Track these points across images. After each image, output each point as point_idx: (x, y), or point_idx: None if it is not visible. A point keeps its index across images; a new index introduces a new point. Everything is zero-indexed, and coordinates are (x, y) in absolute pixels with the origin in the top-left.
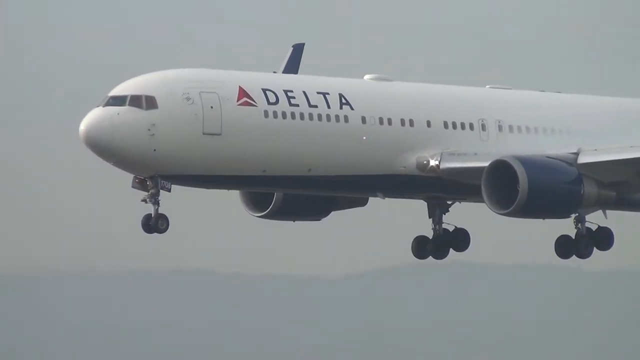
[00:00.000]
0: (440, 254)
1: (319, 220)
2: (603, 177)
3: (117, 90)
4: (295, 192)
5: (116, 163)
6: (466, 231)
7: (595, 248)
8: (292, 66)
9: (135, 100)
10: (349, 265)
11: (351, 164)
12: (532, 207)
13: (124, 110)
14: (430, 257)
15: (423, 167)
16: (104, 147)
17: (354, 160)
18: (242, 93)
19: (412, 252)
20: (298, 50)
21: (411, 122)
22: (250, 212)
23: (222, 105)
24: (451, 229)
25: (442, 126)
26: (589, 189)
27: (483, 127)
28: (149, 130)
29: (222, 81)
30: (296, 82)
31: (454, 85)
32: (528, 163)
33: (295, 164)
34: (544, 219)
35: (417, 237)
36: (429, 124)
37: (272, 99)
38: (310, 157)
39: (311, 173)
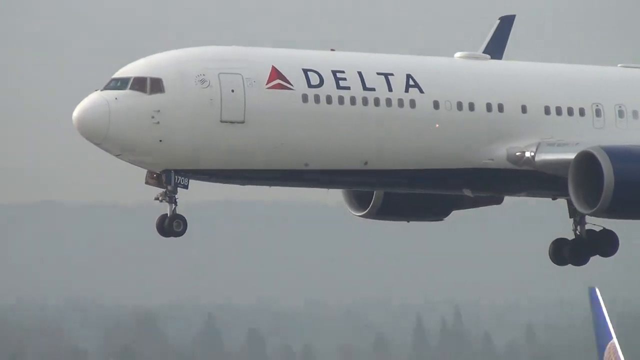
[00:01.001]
0: (580, 259)
1: (439, 220)
2: None
3: (122, 72)
4: (350, 188)
5: (119, 155)
6: (614, 234)
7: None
8: (499, 41)
9: (139, 83)
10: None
11: (419, 157)
12: (620, 206)
13: (124, 94)
14: (570, 264)
15: (516, 159)
16: (99, 137)
17: (422, 152)
18: (275, 74)
19: (550, 257)
20: (507, 22)
21: (500, 107)
22: (352, 211)
23: (246, 89)
24: (598, 229)
25: (543, 112)
26: None
27: (597, 113)
28: (152, 117)
29: (250, 61)
30: (352, 61)
31: (564, 64)
32: (618, 154)
33: (346, 157)
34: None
35: (555, 239)
36: (524, 109)
37: (315, 80)
38: (364, 149)
39: (367, 167)
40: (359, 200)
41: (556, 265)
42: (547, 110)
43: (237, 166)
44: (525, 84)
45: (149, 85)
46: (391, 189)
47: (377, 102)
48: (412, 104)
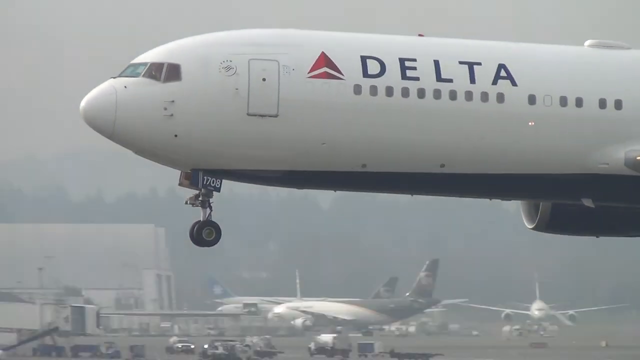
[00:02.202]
0: None
1: (633, 236)
2: None
3: (142, 57)
4: (420, 193)
5: (136, 152)
6: None
7: None
8: None
9: (155, 69)
10: None
11: (509, 159)
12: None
13: (135, 82)
14: None
15: (637, 164)
16: (107, 131)
17: (512, 154)
18: (323, 61)
19: None
20: None
21: (617, 104)
22: (526, 223)
23: (281, 77)
24: None
25: None
26: None
27: None
28: (165, 109)
29: (295, 45)
30: (431, 48)
31: None
32: None
33: (414, 158)
34: None
35: None
36: None
37: (375, 69)
38: (439, 149)
39: (444, 170)
40: (532, 212)
41: None
42: None
43: (269, 166)
44: None
45: (165, 71)
46: (471, 195)
47: (452, 95)
48: (500, 98)
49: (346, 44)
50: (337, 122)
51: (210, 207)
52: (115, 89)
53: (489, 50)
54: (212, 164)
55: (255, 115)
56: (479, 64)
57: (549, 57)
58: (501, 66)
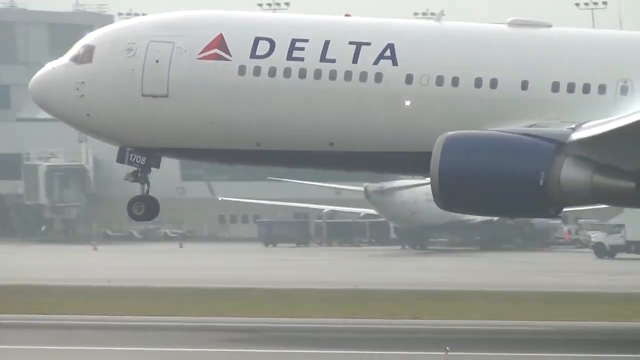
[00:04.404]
0: None
1: None
2: (615, 160)
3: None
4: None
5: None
6: None
7: None
8: None
9: (81, 51)
10: None
11: (389, 138)
12: (453, 202)
13: (61, 64)
14: None
15: None
16: (44, 107)
17: (393, 133)
18: (216, 43)
19: None
20: None
21: (493, 83)
22: None
23: (172, 59)
24: None
25: (549, 89)
26: (571, 177)
27: (623, 90)
28: (77, 89)
29: (197, 27)
30: (328, 28)
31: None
32: (455, 143)
33: (309, 137)
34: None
35: None
36: (524, 85)
37: (263, 50)
38: (326, 128)
39: (333, 148)
40: None
41: None
42: (556, 87)
43: (166, 144)
44: (534, 55)
45: (82, 53)
46: (361, 170)
47: (332, 75)
48: (378, 78)
49: (248, 26)
50: (223, 102)
51: (147, 182)
52: (47, 70)
53: (385, 30)
54: (123, 143)
55: (149, 95)
56: (369, 44)
57: (442, 36)
58: (389, 46)
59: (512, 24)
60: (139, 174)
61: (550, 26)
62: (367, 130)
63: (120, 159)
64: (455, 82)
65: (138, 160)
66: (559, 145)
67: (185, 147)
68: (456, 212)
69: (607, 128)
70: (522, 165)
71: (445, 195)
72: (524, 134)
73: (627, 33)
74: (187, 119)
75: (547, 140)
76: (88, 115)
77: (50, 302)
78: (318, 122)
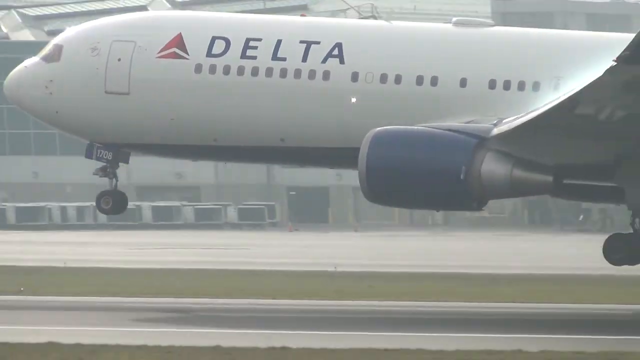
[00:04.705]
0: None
1: None
2: (533, 154)
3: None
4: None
5: None
6: None
7: None
8: None
9: (51, 50)
10: None
11: (336, 134)
12: (380, 195)
13: (32, 62)
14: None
15: None
16: (20, 106)
17: (339, 129)
18: (175, 42)
19: (604, 253)
20: None
21: (433, 81)
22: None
23: (133, 58)
24: None
25: (487, 86)
26: (491, 171)
27: (557, 87)
28: (46, 87)
29: (157, 27)
30: (280, 28)
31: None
32: (381, 138)
33: (252, 133)
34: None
35: (612, 234)
36: (463, 82)
37: (219, 49)
38: (277, 124)
39: (284, 144)
40: None
41: None
42: (493, 85)
43: (129, 140)
44: (476, 54)
45: (52, 53)
46: (311, 166)
47: (282, 73)
48: (325, 75)
49: (206, 25)
50: (181, 100)
51: (114, 177)
52: (19, 69)
53: (335, 30)
54: (90, 139)
55: (111, 93)
56: (318, 43)
57: (388, 36)
58: (337, 45)
59: (456, 23)
60: (108, 169)
61: (493, 26)
62: (316, 126)
63: (89, 155)
64: (398, 79)
65: (105, 155)
66: (480, 140)
67: (147, 143)
68: (384, 205)
69: (520, 121)
70: (444, 159)
71: (372, 189)
72: (449, 130)
73: (560, 31)
74: (147, 115)
75: (469, 135)
76: (57, 112)
77: None
78: (269, 119)
